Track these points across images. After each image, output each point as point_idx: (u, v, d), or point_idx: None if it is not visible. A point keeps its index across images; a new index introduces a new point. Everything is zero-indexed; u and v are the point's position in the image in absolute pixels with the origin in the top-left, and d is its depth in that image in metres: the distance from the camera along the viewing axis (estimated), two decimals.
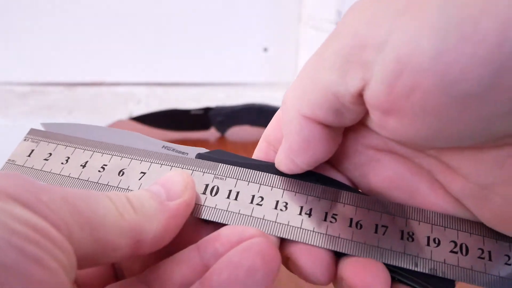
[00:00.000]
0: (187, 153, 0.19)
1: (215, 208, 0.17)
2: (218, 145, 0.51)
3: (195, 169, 0.18)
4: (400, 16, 0.12)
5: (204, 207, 0.17)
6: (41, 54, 0.73)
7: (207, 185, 0.18)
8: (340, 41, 0.14)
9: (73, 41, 0.73)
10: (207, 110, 0.52)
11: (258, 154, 0.20)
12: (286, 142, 0.16)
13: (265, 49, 0.78)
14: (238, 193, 0.17)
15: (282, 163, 0.17)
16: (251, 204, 0.17)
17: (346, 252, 0.16)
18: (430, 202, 0.17)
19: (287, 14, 0.76)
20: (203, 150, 0.20)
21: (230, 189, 0.18)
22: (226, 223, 0.17)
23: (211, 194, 0.17)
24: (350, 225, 0.16)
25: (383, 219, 0.17)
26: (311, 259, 0.16)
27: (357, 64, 0.13)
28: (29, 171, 0.19)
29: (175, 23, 0.74)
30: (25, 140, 0.21)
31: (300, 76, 0.16)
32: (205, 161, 0.19)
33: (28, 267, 0.11)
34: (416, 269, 0.15)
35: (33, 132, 0.21)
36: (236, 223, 0.17)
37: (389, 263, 0.15)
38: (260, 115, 0.53)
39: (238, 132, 0.54)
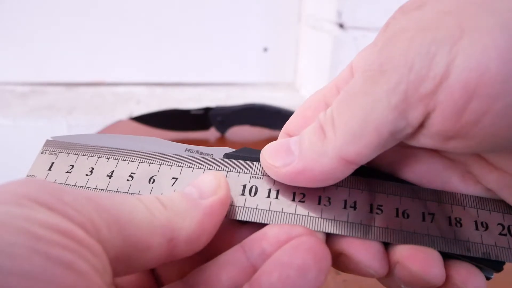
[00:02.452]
0: (212, 154, 0.19)
1: (256, 208, 0.16)
2: (218, 145, 0.51)
3: (229, 170, 0.18)
4: (457, 41, 0.12)
5: (245, 208, 0.16)
6: (41, 54, 0.73)
7: (244, 186, 0.17)
8: (392, 78, 0.13)
9: (73, 41, 0.73)
10: (207, 110, 0.52)
11: None
12: (307, 168, 0.15)
13: (265, 49, 0.78)
14: (278, 191, 0.17)
15: (283, 174, 0.16)
16: (293, 202, 0.16)
17: (398, 243, 0.15)
18: (460, 192, 0.17)
19: (287, 14, 0.76)
20: (228, 149, 0.19)
21: (269, 187, 0.17)
22: (270, 223, 0.16)
23: (250, 194, 0.17)
24: (397, 215, 0.16)
25: (429, 206, 0.16)
26: (368, 253, 0.15)
27: (417, 98, 0.13)
28: None
29: (175, 23, 0.74)
30: (42, 153, 0.19)
31: (342, 119, 0.14)
32: (239, 161, 0.18)
33: (57, 272, 0.10)
34: (469, 254, 0.15)
35: (49, 143, 0.20)
36: (281, 223, 0.16)
37: (442, 250, 0.15)
38: (260, 115, 0.53)
39: (238, 132, 0.54)
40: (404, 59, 0.13)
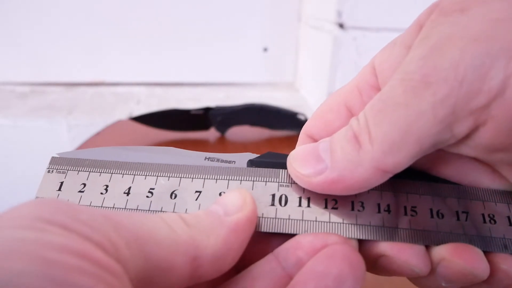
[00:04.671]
0: (234, 161, 0.18)
1: (289, 219, 0.16)
2: (218, 145, 0.51)
3: (255, 179, 0.17)
4: None
5: (276, 219, 0.16)
6: (41, 54, 0.74)
7: (273, 195, 0.16)
8: (439, 91, 0.13)
9: (73, 41, 0.73)
10: (207, 110, 0.52)
11: None
12: (341, 178, 0.14)
13: (265, 49, 0.78)
14: (309, 199, 0.16)
15: (315, 184, 0.15)
16: (326, 210, 0.16)
17: (436, 245, 0.15)
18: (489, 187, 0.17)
19: (287, 14, 0.76)
20: (250, 155, 0.18)
21: (299, 196, 0.16)
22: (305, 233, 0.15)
23: (280, 204, 0.16)
24: (432, 216, 0.16)
25: (461, 204, 0.16)
26: (412, 252, 0.15)
27: (467, 112, 0.12)
28: None
29: (175, 23, 0.74)
30: (48, 171, 0.18)
31: (380, 129, 0.14)
32: (264, 169, 0.17)
33: None
34: (506, 252, 0.15)
35: (55, 161, 0.18)
36: (316, 232, 0.15)
37: (480, 248, 0.15)
38: (260, 115, 0.53)
39: (238, 132, 0.54)
40: (454, 72, 0.12)
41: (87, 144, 0.52)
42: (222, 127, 0.53)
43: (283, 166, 0.17)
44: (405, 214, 0.16)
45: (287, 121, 0.53)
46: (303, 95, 0.76)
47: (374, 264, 0.16)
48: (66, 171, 0.18)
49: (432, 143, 0.13)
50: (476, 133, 0.13)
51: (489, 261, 0.15)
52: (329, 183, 0.15)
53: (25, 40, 0.72)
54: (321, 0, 0.65)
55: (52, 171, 0.18)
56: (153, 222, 0.13)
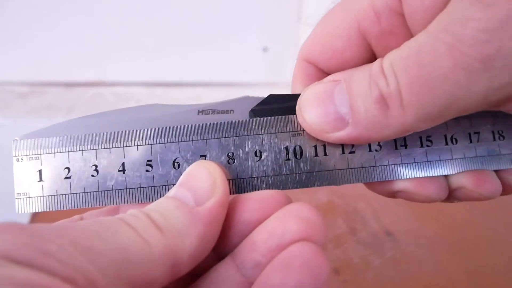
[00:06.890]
0: (232, 110, 0.16)
1: (309, 172, 0.14)
2: None
3: (264, 132, 0.15)
4: None
5: (296, 175, 0.14)
6: (41, 54, 0.73)
7: (286, 148, 0.15)
8: (499, 79, 0.11)
9: (73, 41, 0.73)
10: None
11: (300, 77, 0.16)
12: (363, 136, 0.13)
13: (265, 49, 0.78)
14: (324, 146, 0.15)
15: (332, 139, 0.14)
16: (344, 155, 0.15)
17: (453, 173, 0.15)
18: None
19: (287, 13, 0.76)
20: (249, 100, 0.15)
21: (314, 144, 0.15)
22: (333, 184, 0.14)
23: (296, 157, 0.15)
24: (446, 143, 0.15)
25: (475, 124, 0.15)
26: (432, 186, 0.15)
27: None
28: (57, 201, 0.14)
29: (174, 23, 0.74)
30: (17, 160, 0.15)
31: (417, 101, 0.12)
32: (271, 118, 0.15)
33: None
34: None
35: (21, 145, 0.15)
36: (342, 181, 0.14)
37: (489, 168, 0.15)
38: None
39: None
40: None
41: None
42: None
43: (289, 111, 0.15)
44: (421, 146, 0.15)
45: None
46: None
47: (392, 195, 0.16)
48: (38, 156, 0.15)
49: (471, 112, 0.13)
50: None
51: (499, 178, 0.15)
52: (349, 139, 0.14)
53: (25, 40, 0.72)
54: (321, 0, 0.65)
55: (21, 159, 0.15)
56: (127, 239, 0.12)
